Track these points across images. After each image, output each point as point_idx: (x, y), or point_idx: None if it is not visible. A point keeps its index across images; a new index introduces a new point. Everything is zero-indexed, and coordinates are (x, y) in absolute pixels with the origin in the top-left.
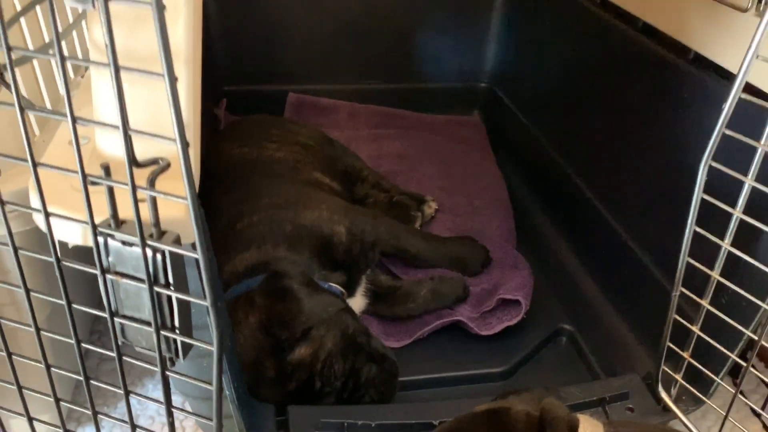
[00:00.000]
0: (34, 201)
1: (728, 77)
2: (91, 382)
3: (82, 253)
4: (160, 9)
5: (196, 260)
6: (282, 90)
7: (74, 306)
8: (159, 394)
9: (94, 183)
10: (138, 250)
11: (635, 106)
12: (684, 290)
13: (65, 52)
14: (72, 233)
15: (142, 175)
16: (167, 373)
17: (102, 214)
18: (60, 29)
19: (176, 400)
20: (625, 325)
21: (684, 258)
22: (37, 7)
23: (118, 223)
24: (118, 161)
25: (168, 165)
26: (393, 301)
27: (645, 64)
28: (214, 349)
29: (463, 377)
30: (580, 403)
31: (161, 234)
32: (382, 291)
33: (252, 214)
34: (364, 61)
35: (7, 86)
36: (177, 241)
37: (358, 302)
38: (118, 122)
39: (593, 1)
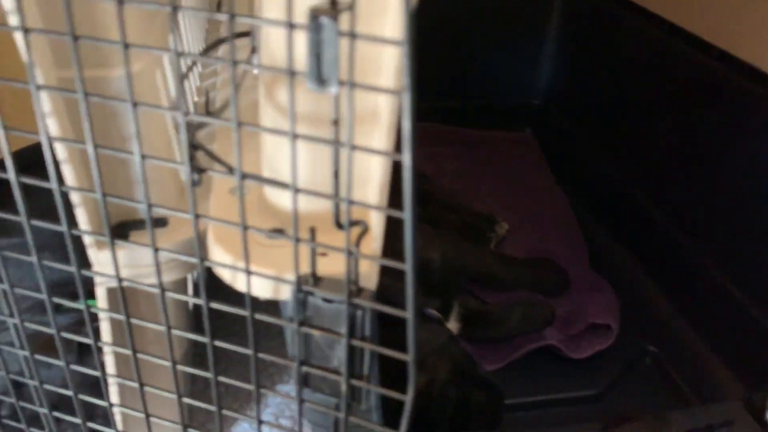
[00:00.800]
0: (218, 255)
1: None
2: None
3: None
4: (413, 92)
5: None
6: None
7: (216, 343)
8: (268, 417)
9: (273, 237)
10: (336, 306)
11: (709, 133)
12: None
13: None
14: (262, 288)
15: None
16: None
17: (282, 268)
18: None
19: (286, 423)
20: (707, 347)
21: None
22: None
23: (317, 280)
24: (289, 215)
25: (367, 228)
26: (484, 324)
27: (720, 91)
28: (407, 399)
29: (556, 401)
30: (689, 431)
31: (359, 291)
32: (473, 315)
33: None
34: (419, 79)
35: (213, 156)
36: (374, 298)
37: (451, 327)
38: (324, 188)
39: (657, 25)
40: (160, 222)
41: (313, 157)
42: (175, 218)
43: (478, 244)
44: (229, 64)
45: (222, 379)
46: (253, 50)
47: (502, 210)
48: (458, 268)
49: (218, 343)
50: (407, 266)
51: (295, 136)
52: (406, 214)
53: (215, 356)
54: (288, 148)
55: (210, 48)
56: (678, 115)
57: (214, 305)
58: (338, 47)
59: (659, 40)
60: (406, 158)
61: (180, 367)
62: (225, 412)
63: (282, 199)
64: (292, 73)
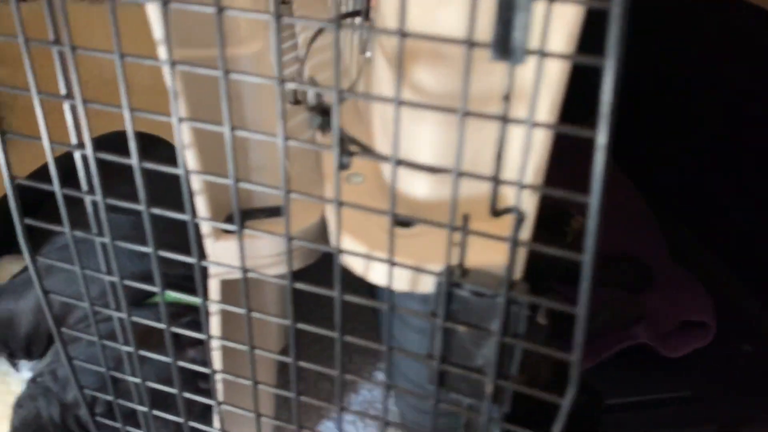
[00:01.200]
0: (348, 244)
1: None
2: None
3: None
4: (619, 61)
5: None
6: None
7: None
8: (354, 418)
9: (405, 223)
10: (487, 300)
11: None
12: None
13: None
14: (399, 280)
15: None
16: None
17: (420, 259)
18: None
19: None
20: None
21: None
22: None
23: (465, 272)
24: (416, 202)
25: (524, 216)
26: (572, 322)
27: None
28: (564, 403)
29: (651, 401)
30: None
31: (512, 284)
32: (560, 312)
33: None
34: None
35: (357, 143)
36: (527, 292)
37: None
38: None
39: (732, 9)
40: (280, 210)
41: (450, 138)
42: (294, 206)
43: (555, 239)
44: (399, 36)
45: (349, 376)
46: (371, 29)
47: (572, 203)
48: (545, 264)
49: (350, 339)
50: (586, 257)
51: (465, 114)
52: (593, 200)
53: (301, 347)
54: (423, 128)
55: (343, 19)
56: (755, 102)
57: (348, 298)
58: (532, 12)
59: (731, 26)
60: (602, 137)
61: (304, 364)
62: (345, 410)
63: (410, 185)
64: (471, 44)
